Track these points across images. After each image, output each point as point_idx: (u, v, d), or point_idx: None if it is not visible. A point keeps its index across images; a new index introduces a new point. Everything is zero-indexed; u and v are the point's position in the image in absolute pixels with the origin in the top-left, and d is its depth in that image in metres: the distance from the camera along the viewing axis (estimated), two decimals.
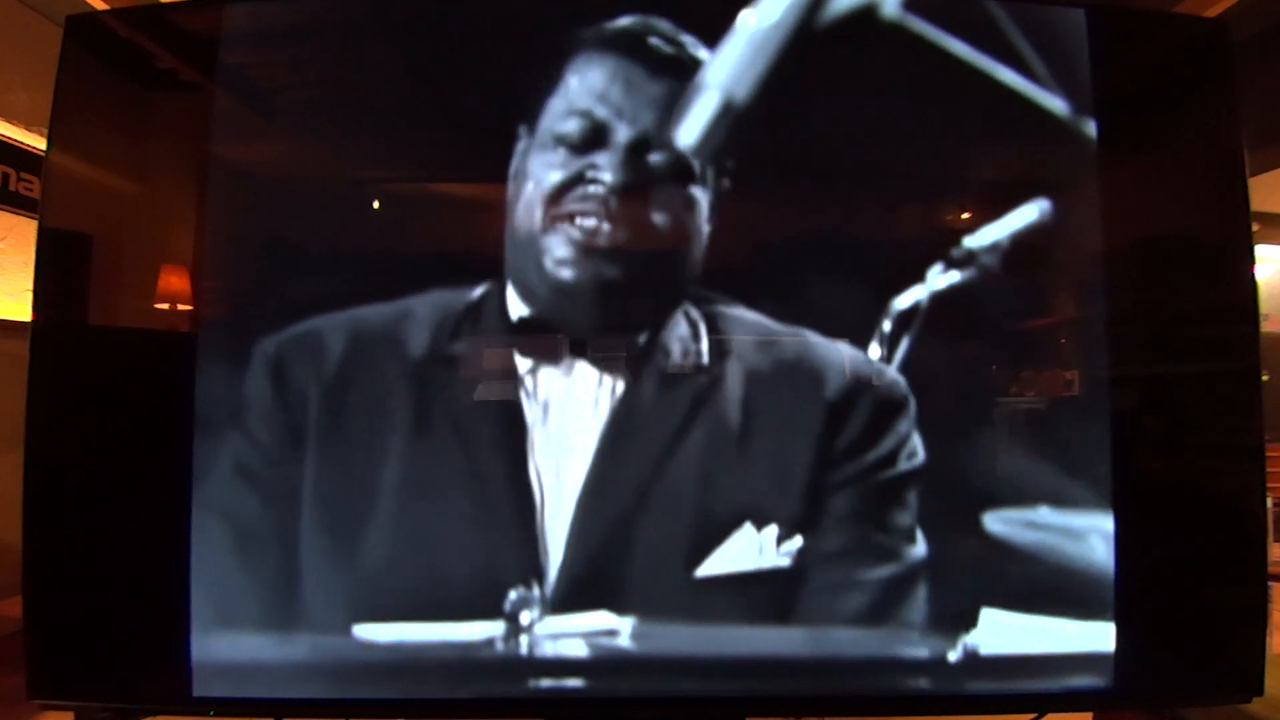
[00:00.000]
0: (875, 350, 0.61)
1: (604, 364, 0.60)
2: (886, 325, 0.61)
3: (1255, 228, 0.63)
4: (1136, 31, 0.67)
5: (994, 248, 0.62)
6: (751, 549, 0.59)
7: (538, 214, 0.60)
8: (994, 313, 0.63)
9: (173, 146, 0.65)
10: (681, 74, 0.60)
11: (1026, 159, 0.65)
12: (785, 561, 0.59)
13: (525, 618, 0.59)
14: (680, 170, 0.60)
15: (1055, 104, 0.62)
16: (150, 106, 0.65)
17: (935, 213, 0.65)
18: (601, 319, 0.60)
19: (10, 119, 1.72)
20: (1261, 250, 1.56)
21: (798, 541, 0.60)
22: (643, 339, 0.60)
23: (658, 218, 0.60)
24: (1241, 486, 0.63)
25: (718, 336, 0.61)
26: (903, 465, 0.61)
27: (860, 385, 0.60)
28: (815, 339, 0.61)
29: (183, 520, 0.59)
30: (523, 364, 0.60)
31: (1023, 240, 0.62)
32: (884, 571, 0.60)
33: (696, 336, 0.61)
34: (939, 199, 0.65)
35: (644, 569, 0.59)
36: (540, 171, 0.60)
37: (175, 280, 0.62)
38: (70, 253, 0.63)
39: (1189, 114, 0.67)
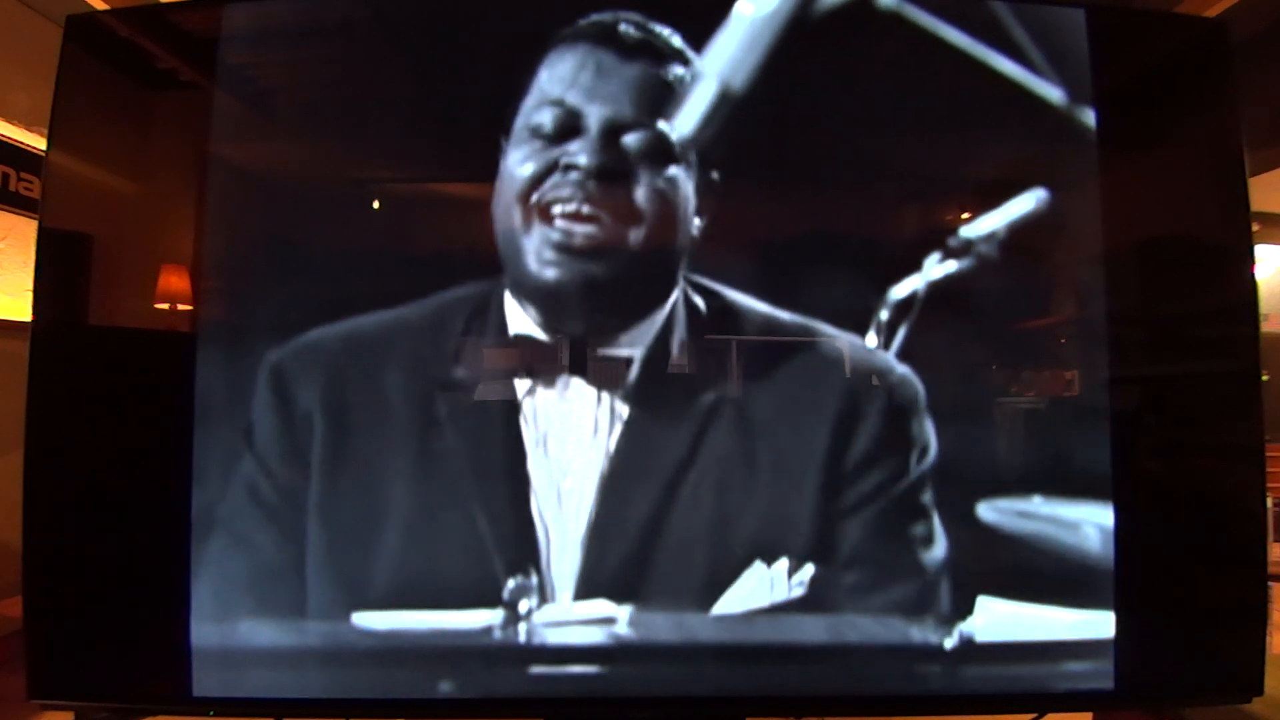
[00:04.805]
0: (872, 339, 0.60)
1: (602, 368, 0.59)
2: (884, 315, 0.60)
3: (1255, 228, 0.63)
4: (1137, 31, 0.67)
5: (993, 237, 0.61)
6: (766, 583, 0.59)
7: (517, 211, 0.59)
8: (992, 312, 0.63)
9: (173, 146, 0.65)
10: (654, 56, 0.59)
11: (1026, 159, 0.64)
12: (802, 591, 0.59)
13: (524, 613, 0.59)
14: (660, 152, 0.59)
15: (1054, 102, 0.62)
16: (150, 106, 0.65)
17: (932, 203, 0.65)
18: (593, 317, 0.59)
19: (10, 119, 1.72)
20: (1261, 250, 1.56)
21: (814, 571, 0.59)
22: (638, 333, 0.60)
23: (640, 202, 0.59)
24: (1241, 486, 0.63)
25: (719, 329, 0.60)
26: (919, 467, 0.60)
27: (871, 385, 0.60)
28: (821, 329, 0.60)
29: (182, 520, 0.59)
30: (522, 382, 0.60)
31: (1023, 238, 0.62)
32: (911, 588, 0.60)
33: (692, 330, 0.60)
34: (937, 190, 0.65)
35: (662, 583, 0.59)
36: (516, 166, 0.59)
37: (175, 280, 0.62)
38: (70, 253, 0.63)
39: (1189, 114, 0.67)
